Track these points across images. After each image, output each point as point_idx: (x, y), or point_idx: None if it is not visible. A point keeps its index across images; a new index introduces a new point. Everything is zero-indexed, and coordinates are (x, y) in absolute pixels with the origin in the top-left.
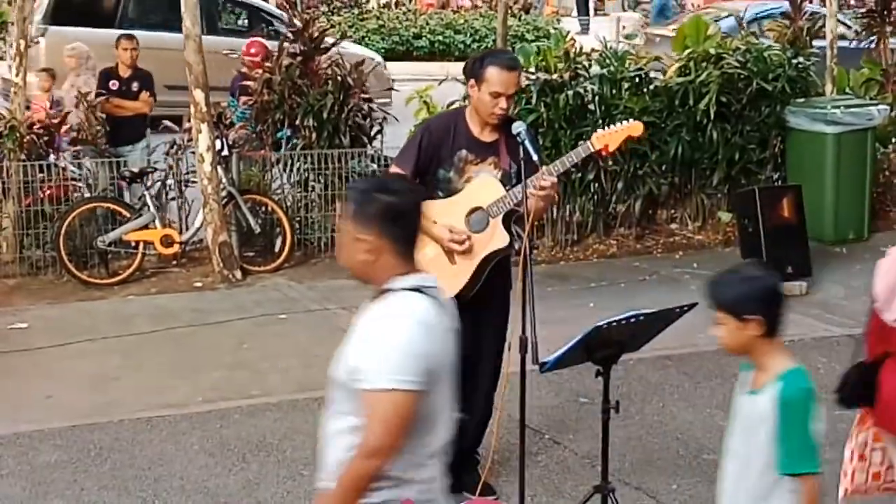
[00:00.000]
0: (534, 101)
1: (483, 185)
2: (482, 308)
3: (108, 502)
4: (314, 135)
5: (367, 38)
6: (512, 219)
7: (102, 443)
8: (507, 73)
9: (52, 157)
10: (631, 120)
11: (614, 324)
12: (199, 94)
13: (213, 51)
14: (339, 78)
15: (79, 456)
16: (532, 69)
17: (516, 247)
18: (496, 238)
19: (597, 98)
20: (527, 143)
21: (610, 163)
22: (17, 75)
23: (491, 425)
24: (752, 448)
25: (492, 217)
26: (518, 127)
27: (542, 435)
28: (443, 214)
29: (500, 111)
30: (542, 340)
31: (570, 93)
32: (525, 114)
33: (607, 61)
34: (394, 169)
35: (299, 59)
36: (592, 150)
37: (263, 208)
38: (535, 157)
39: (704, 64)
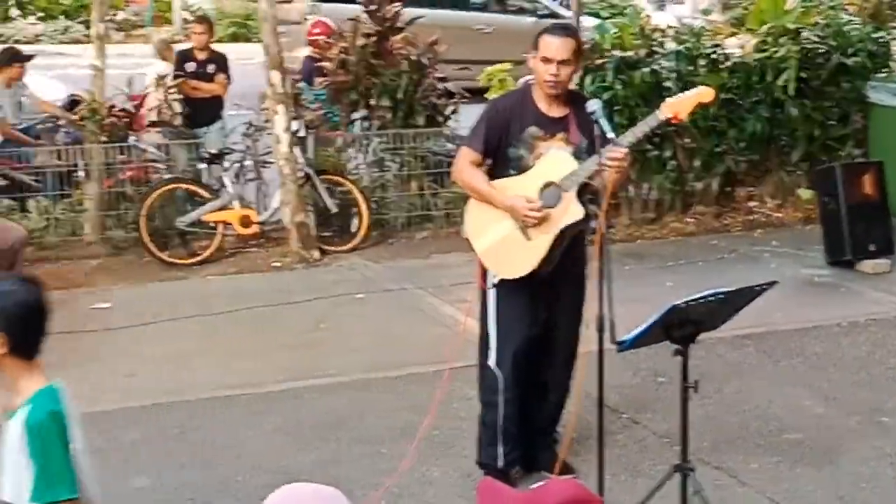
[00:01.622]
0: (609, 78)
1: (554, 161)
2: (559, 286)
3: (189, 480)
4: (389, 115)
5: None
6: (586, 195)
7: (183, 421)
8: (555, 38)
9: (132, 139)
10: (701, 87)
11: (692, 303)
12: (275, 75)
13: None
14: (413, 57)
15: (160, 434)
16: (608, 46)
17: (592, 225)
18: (570, 212)
19: (673, 75)
20: (601, 120)
21: (687, 140)
22: (98, 59)
23: (569, 404)
24: (12, 475)
25: (565, 191)
26: (593, 105)
27: (621, 414)
28: (515, 191)
29: (551, 77)
30: (620, 319)
31: (646, 70)
32: (600, 91)
33: (684, 38)
34: (464, 149)
35: (374, 39)
36: (662, 118)
37: (340, 188)
38: (609, 135)
39: (783, 39)
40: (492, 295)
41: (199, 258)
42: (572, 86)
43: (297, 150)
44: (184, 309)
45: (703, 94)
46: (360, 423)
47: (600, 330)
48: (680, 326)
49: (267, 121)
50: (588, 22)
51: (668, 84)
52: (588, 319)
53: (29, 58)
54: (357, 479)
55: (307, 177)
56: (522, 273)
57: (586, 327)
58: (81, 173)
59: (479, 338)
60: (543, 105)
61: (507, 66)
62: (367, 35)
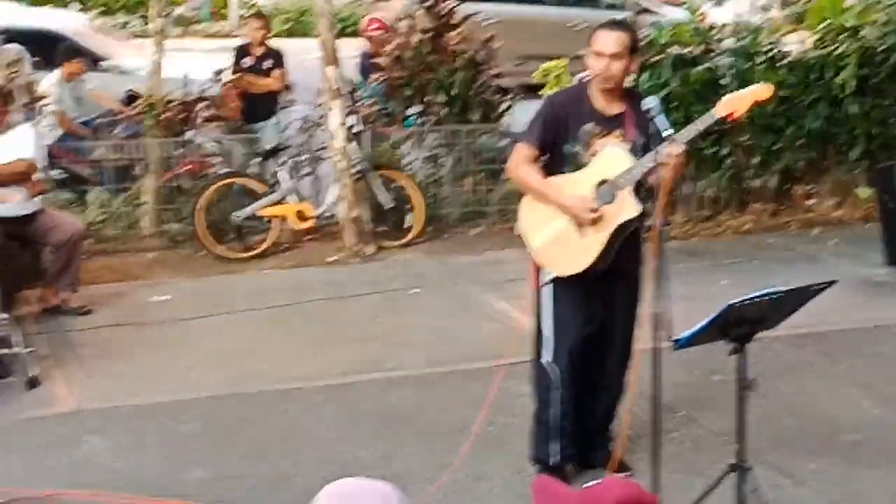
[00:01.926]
0: (666, 75)
1: (610, 158)
2: (614, 283)
3: (247, 472)
4: (444, 110)
5: None
6: (641, 192)
7: (241, 414)
8: (607, 32)
9: (189, 134)
10: (759, 84)
11: (749, 302)
12: (330, 71)
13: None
14: (469, 54)
15: (218, 426)
16: (664, 42)
17: (648, 223)
18: (625, 209)
19: (730, 72)
20: (658, 117)
21: (745, 138)
22: (155, 54)
23: (624, 402)
24: None
25: (620, 188)
26: (649, 102)
27: (676, 412)
28: (570, 189)
29: (602, 70)
30: (675, 317)
31: (703, 67)
32: (656, 88)
33: (741, 34)
34: (520, 145)
35: (430, 34)
36: (719, 115)
37: (395, 184)
38: (666, 132)
39: (842, 36)
40: (547, 292)
41: (254, 252)
42: (629, 83)
43: (352, 146)
44: (240, 302)
45: (761, 91)
46: (416, 417)
47: (656, 328)
48: (736, 325)
49: (322, 116)
50: (679, 14)
51: (724, 81)
52: (644, 317)
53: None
54: (412, 474)
55: (362, 172)
56: (577, 270)
57: (642, 325)
58: (139, 168)
59: (534, 335)
60: (600, 102)
61: (564, 61)
62: (423, 31)
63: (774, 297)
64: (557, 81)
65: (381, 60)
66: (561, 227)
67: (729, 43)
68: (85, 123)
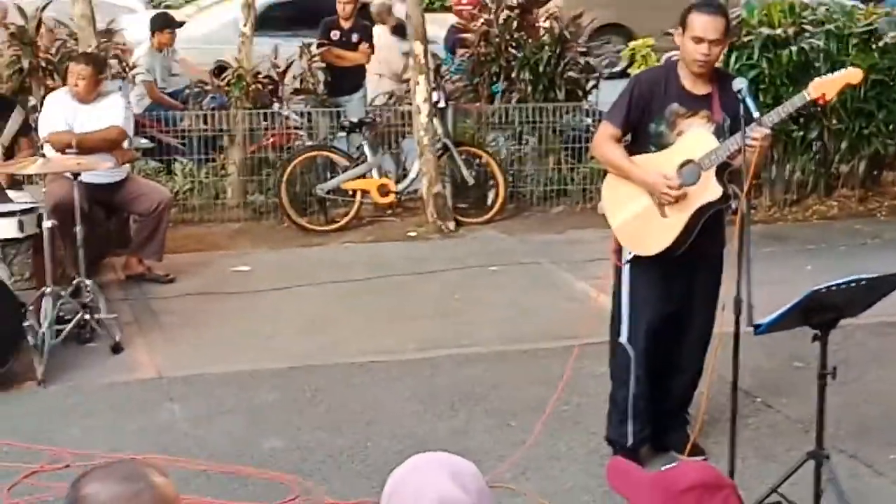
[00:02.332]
0: (755, 56)
1: (695, 138)
2: (695, 265)
3: (322, 442)
4: (529, 88)
5: None
6: (725, 174)
7: (318, 385)
8: (706, 16)
9: (275, 106)
10: (850, 67)
11: (833, 288)
12: (418, 46)
13: None
14: (555, 31)
15: (295, 396)
16: (755, 23)
17: (732, 206)
18: (709, 190)
19: (822, 54)
20: (747, 99)
21: (834, 121)
22: (245, 25)
23: (701, 385)
24: None
25: (704, 169)
26: (739, 83)
27: (755, 398)
28: (654, 167)
29: (702, 56)
30: (757, 302)
31: (794, 48)
32: (746, 69)
33: (834, 16)
34: (605, 123)
35: (517, 11)
36: (809, 98)
37: (477, 160)
38: (755, 115)
39: None
40: (626, 271)
41: (336, 225)
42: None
43: (436, 121)
44: (321, 274)
45: (852, 74)
46: (492, 394)
47: (737, 312)
48: (820, 312)
49: (408, 91)
50: None
51: (816, 64)
52: (725, 301)
53: (180, 24)
54: (486, 451)
55: (445, 148)
56: (657, 251)
57: (723, 309)
58: (226, 138)
59: (612, 314)
60: (688, 82)
61: (651, 41)
62: (510, 8)
63: (860, 284)
64: (644, 61)
65: (467, 36)
66: (643, 205)
67: (821, 24)
68: (174, 94)
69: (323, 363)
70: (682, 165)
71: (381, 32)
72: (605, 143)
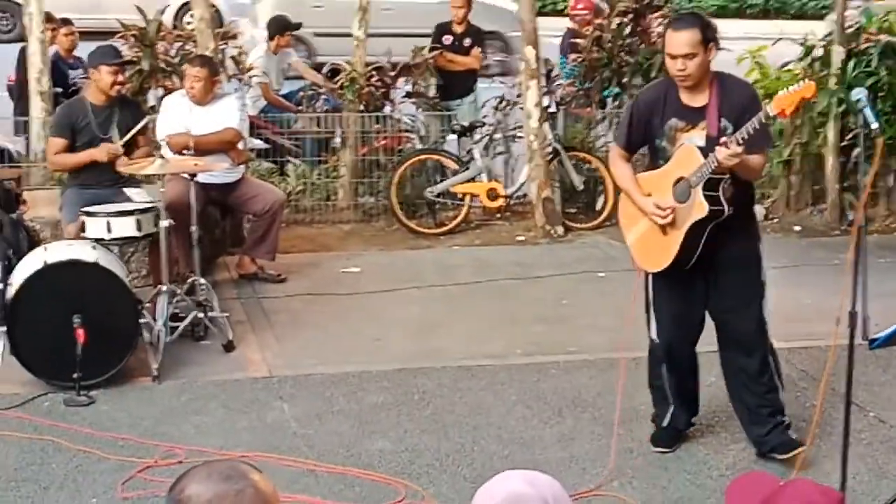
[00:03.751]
0: (874, 63)
1: (685, 155)
2: (717, 265)
3: (428, 445)
4: None
5: None
6: (721, 186)
7: (425, 387)
8: (672, 33)
9: (387, 109)
10: (804, 81)
11: None
12: (529, 51)
13: None
14: None
15: (403, 398)
16: (874, 30)
17: (726, 213)
18: (695, 208)
19: None
20: (866, 110)
21: None
22: (359, 29)
23: (814, 398)
24: None
25: (692, 186)
26: (858, 93)
27: (868, 412)
28: (653, 186)
29: (678, 72)
30: (873, 314)
31: None
32: (864, 77)
33: None
34: (613, 145)
35: (630, 16)
36: (771, 114)
37: (587, 166)
38: (874, 125)
39: None
40: (649, 278)
41: (445, 228)
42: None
43: (546, 126)
44: (430, 277)
45: (806, 89)
46: (599, 401)
47: (852, 325)
48: None
49: (519, 95)
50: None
51: None
52: (839, 314)
53: (298, 26)
54: (592, 458)
55: (555, 152)
56: (660, 268)
57: (837, 323)
58: (338, 140)
59: (645, 313)
60: (685, 96)
61: (767, 45)
62: (624, 13)
63: None
64: (759, 67)
65: (580, 41)
66: (646, 225)
67: None
68: (288, 96)
69: (431, 366)
70: (676, 182)
71: None
72: (615, 164)
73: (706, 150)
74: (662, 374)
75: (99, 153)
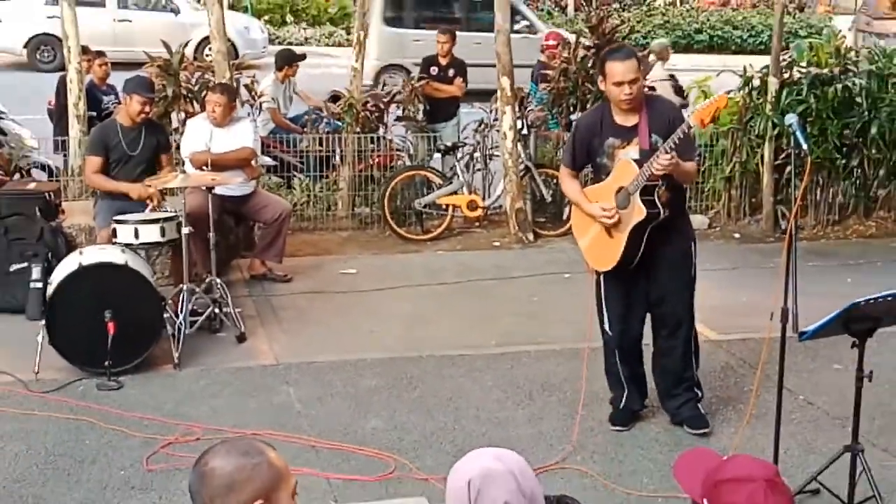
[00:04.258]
0: (804, 92)
1: (622, 168)
2: (658, 264)
3: (415, 424)
4: None
5: (652, 33)
6: (657, 192)
7: (413, 374)
8: (620, 63)
9: (381, 131)
10: (719, 94)
11: (871, 301)
12: (505, 81)
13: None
14: None
15: (393, 383)
16: (804, 64)
17: (662, 215)
18: (635, 212)
19: (863, 92)
20: (797, 133)
21: (874, 151)
22: (356, 61)
23: (750, 383)
24: None
25: (631, 193)
26: (790, 119)
27: (797, 396)
28: (599, 197)
29: (626, 97)
30: (802, 310)
31: (839, 86)
32: (795, 104)
33: (875, 58)
34: (562, 165)
35: (593, 51)
36: (693, 125)
37: (555, 181)
38: (803, 146)
39: None
40: (601, 278)
41: (430, 235)
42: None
43: (519, 146)
44: (417, 278)
45: (720, 100)
46: (565, 385)
47: (784, 320)
48: (859, 322)
49: (496, 119)
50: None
51: (858, 100)
52: (773, 309)
53: (302, 57)
54: (558, 436)
55: (527, 169)
56: (609, 267)
57: (771, 317)
58: (338, 158)
59: (597, 308)
60: (619, 117)
61: (712, 76)
62: (587, 48)
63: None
64: (705, 96)
65: (549, 72)
66: (596, 230)
67: (864, 65)
68: (294, 120)
69: (418, 355)
70: (617, 191)
71: (657, 68)
72: (564, 181)
73: (641, 162)
74: (616, 362)
75: (132, 191)
